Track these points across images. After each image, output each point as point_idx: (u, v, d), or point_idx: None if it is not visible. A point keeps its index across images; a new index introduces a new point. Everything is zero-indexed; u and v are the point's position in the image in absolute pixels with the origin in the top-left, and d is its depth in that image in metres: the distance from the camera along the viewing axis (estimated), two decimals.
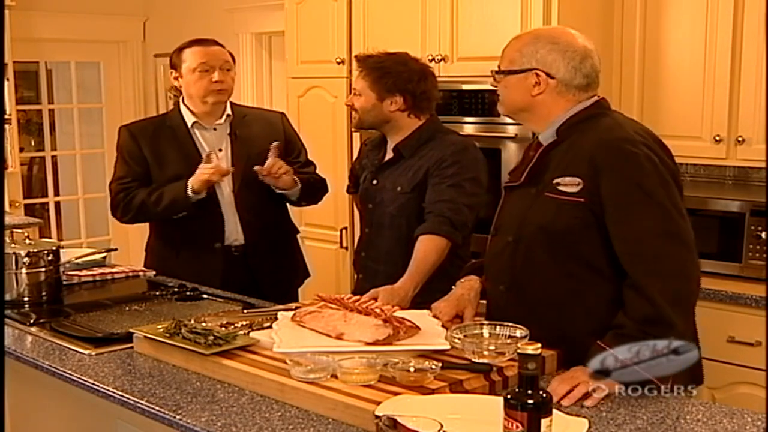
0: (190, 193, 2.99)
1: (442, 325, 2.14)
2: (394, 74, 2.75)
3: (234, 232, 3.13)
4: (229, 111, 3.18)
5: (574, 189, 2.00)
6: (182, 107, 3.18)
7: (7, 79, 5.03)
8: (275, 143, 3.05)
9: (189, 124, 3.15)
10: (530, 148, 2.22)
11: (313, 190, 3.24)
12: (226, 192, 3.11)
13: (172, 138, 3.14)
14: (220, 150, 3.14)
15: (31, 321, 2.48)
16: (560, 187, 2.02)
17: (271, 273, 3.18)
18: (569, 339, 2.01)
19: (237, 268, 3.12)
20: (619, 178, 1.96)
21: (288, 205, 3.30)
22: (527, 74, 2.09)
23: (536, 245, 2.08)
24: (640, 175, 1.95)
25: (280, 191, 3.10)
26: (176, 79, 3.16)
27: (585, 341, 1.95)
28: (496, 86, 2.19)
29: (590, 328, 1.98)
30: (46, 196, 6.33)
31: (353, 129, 3.00)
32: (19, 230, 2.94)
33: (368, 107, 2.79)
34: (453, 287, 2.33)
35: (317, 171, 3.31)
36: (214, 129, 3.17)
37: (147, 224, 3.32)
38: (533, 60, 2.08)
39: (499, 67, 2.16)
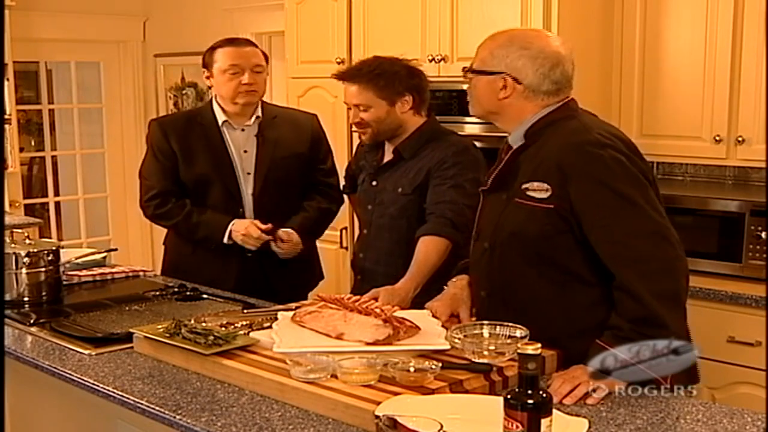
0: (226, 239, 3.02)
1: (442, 325, 2.14)
2: (396, 75, 2.75)
3: None
4: (259, 112, 3.16)
5: (543, 195, 1.98)
6: (215, 104, 3.17)
7: (7, 79, 5.03)
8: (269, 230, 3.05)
9: (219, 123, 3.14)
10: (502, 151, 2.20)
11: (319, 230, 3.24)
12: (247, 194, 3.11)
13: (202, 135, 3.13)
14: (245, 151, 3.13)
15: (31, 321, 2.48)
16: (529, 193, 2.01)
17: (286, 276, 3.17)
18: (552, 343, 1.99)
19: (251, 270, 3.11)
20: (587, 182, 1.94)
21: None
22: (495, 77, 2.07)
23: (511, 252, 2.07)
24: (609, 178, 1.93)
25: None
26: (207, 78, 3.14)
27: (568, 345, 1.96)
28: (467, 83, 2.16)
29: (572, 332, 1.99)
30: (46, 196, 6.33)
31: (367, 142, 2.93)
32: (19, 230, 2.94)
33: (382, 116, 2.76)
34: (445, 287, 2.33)
35: (336, 182, 3.29)
36: (243, 129, 3.15)
37: (150, 225, 3.32)
38: (503, 64, 2.06)
39: (471, 65, 2.14)
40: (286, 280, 3.16)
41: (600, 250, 1.95)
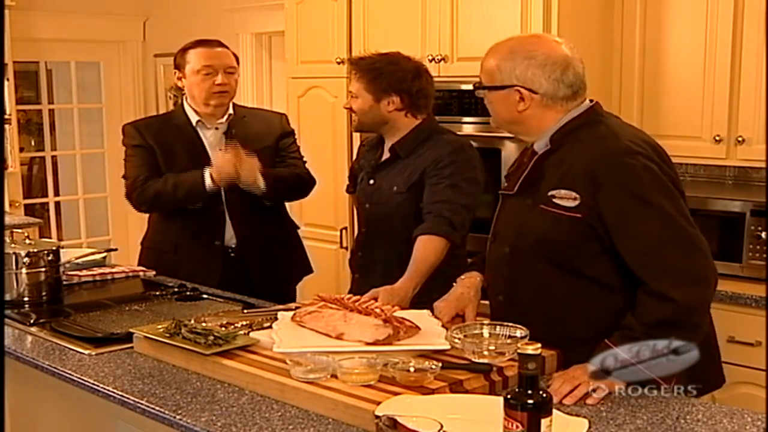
0: (208, 182, 2.99)
1: (442, 325, 2.14)
2: (388, 74, 2.75)
3: (230, 232, 3.15)
4: (231, 110, 3.20)
5: (571, 203, 1.96)
6: (186, 106, 3.20)
7: (7, 79, 5.03)
8: (231, 143, 3.03)
9: (193, 123, 3.17)
10: (524, 155, 2.18)
11: (285, 185, 3.16)
12: (223, 190, 3.11)
13: (179, 135, 3.17)
14: (220, 149, 3.13)
15: (31, 321, 2.48)
16: (556, 200, 1.98)
17: (267, 272, 3.18)
18: (569, 348, 1.98)
19: (234, 267, 3.13)
20: (618, 192, 1.92)
21: (286, 203, 3.32)
22: (509, 91, 2.02)
23: (533, 257, 2.04)
24: (640, 188, 1.91)
25: (244, 187, 3.03)
26: (179, 79, 3.18)
27: (584, 349, 1.93)
28: (481, 98, 2.13)
29: (589, 337, 1.95)
30: (46, 196, 6.33)
31: (353, 131, 3.00)
32: (19, 230, 2.94)
33: (366, 109, 2.80)
34: (453, 284, 2.33)
35: (307, 167, 3.30)
36: (216, 128, 3.18)
37: (146, 223, 3.33)
38: (513, 77, 2.01)
39: (480, 81, 2.10)
40: (267, 278, 3.16)
41: (630, 260, 1.93)
